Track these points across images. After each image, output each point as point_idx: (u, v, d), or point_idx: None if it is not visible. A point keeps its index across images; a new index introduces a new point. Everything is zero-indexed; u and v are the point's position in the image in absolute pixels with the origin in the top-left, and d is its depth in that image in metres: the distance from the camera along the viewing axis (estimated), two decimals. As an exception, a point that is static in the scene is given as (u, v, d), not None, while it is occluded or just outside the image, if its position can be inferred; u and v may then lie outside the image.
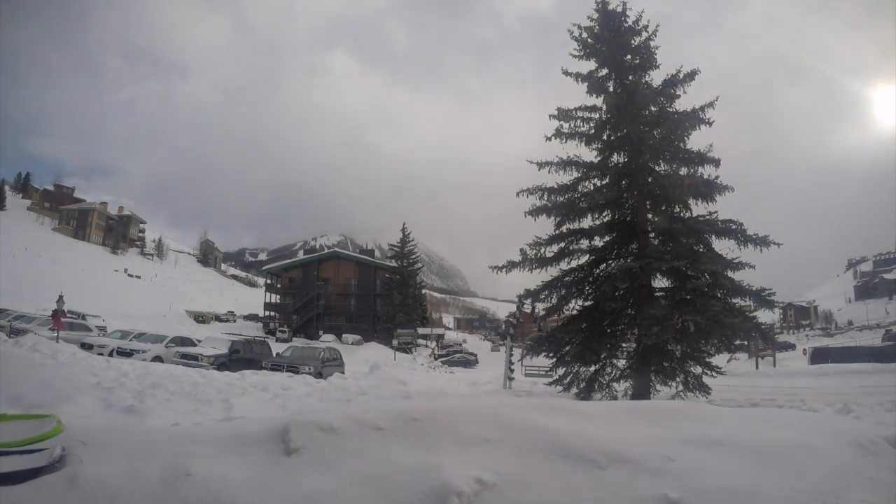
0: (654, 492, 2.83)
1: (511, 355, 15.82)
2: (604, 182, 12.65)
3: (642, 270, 11.14)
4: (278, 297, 55.66)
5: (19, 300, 29.94)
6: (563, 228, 12.58)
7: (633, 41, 12.66)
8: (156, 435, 3.69)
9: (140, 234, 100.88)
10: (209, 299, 72.86)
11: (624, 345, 12.54)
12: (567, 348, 12.20)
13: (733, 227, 11.44)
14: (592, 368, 12.08)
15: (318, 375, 16.11)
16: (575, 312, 12.76)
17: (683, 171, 12.23)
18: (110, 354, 15.78)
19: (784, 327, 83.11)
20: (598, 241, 12.71)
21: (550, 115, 12.81)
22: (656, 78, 12.60)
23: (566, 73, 12.91)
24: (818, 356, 25.62)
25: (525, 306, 13.10)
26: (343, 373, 18.43)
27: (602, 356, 12.06)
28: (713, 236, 11.84)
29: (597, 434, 3.51)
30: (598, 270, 12.58)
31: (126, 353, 16.07)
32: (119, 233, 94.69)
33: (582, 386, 11.98)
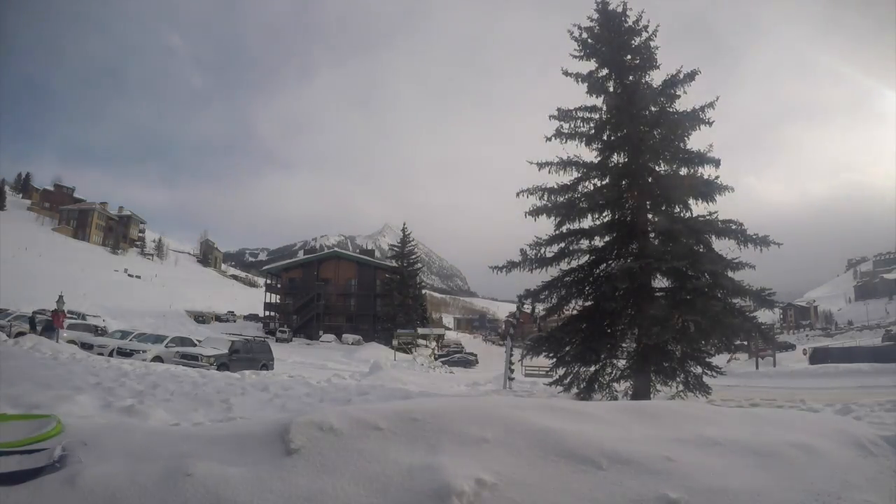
0: (654, 492, 2.83)
1: (511, 355, 15.82)
2: (604, 182, 12.62)
3: (642, 270, 11.12)
4: (278, 297, 55.72)
5: (19, 300, 29.97)
6: (563, 228, 12.54)
7: (633, 41, 12.65)
8: (155, 435, 3.69)
9: (140, 234, 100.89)
10: (209, 299, 72.74)
11: (624, 345, 12.51)
12: (567, 348, 12.18)
13: (733, 227, 11.42)
14: (592, 368, 12.06)
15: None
16: (575, 312, 12.74)
17: (683, 171, 12.23)
18: (110, 354, 15.82)
19: (784, 327, 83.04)
20: (598, 242, 12.68)
21: (550, 116, 12.81)
22: (656, 78, 12.59)
23: (566, 73, 12.91)
24: (818, 356, 25.60)
25: (525, 306, 13.07)
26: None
27: (602, 356, 12.04)
28: (713, 236, 11.81)
29: (597, 434, 3.50)
30: (598, 270, 12.55)
31: (126, 353, 16.10)
32: (119, 233, 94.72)
33: (582, 386, 11.97)
